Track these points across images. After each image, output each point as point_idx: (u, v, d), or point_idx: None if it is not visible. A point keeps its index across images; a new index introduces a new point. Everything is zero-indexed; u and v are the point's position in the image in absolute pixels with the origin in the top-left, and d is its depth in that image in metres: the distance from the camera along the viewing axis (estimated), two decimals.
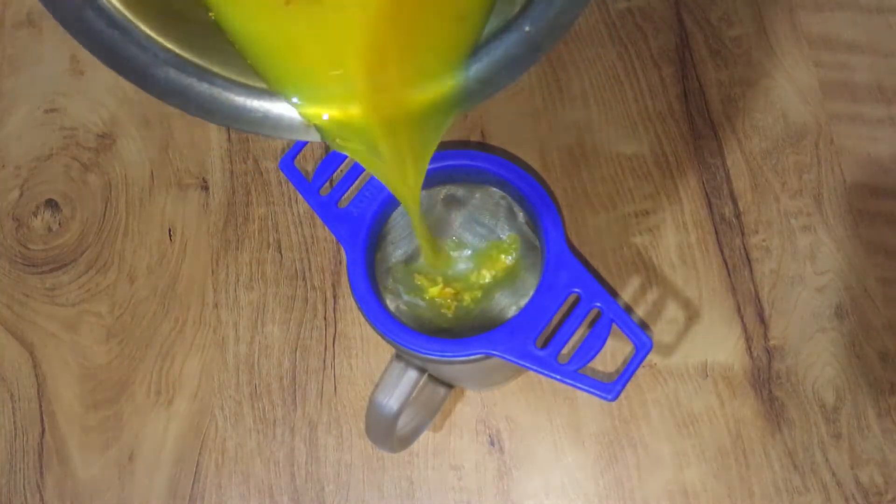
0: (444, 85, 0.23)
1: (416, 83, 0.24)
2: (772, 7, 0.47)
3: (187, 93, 0.23)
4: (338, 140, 0.24)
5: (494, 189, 0.33)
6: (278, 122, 0.24)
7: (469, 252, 0.33)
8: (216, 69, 0.23)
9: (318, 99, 0.24)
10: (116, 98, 0.49)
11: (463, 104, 0.23)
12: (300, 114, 0.24)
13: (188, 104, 0.23)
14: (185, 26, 0.23)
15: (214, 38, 0.23)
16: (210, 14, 0.23)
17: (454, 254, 0.34)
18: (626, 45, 0.47)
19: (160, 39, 0.22)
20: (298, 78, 0.24)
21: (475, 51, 0.23)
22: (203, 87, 0.23)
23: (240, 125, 0.24)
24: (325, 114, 0.24)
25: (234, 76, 0.24)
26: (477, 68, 0.23)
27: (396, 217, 0.33)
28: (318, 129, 0.24)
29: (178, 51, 0.23)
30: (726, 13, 0.47)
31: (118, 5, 0.22)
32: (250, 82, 0.24)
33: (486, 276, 0.33)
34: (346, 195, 0.32)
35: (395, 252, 0.33)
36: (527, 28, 0.22)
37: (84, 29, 0.21)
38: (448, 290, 0.32)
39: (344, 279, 0.44)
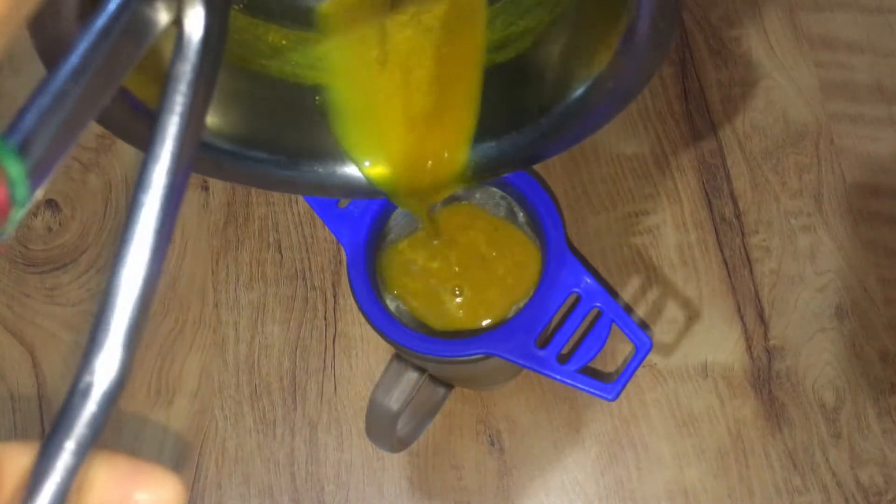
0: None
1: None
2: (772, 7, 0.47)
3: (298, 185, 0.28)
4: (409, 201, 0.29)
5: (494, 189, 0.33)
6: (372, 189, 0.28)
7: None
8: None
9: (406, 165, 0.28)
10: None
11: (542, 154, 0.27)
12: (380, 176, 0.28)
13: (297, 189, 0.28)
14: (292, 118, 0.27)
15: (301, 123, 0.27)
16: (316, 98, 0.27)
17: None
18: None
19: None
20: (387, 147, 0.28)
21: (548, 111, 0.26)
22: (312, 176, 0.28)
23: (355, 195, 0.29)
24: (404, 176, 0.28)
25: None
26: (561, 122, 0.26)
27: (396, 217, 0.33)
28: (393, 192, 0.28)
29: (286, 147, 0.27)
30: (726, 13, 0.47)
31: (240, 133, 0.27)
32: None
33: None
34: None
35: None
36: (610, 84, 0.23)
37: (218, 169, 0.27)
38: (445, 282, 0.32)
39: (344, 279, 0.44)
